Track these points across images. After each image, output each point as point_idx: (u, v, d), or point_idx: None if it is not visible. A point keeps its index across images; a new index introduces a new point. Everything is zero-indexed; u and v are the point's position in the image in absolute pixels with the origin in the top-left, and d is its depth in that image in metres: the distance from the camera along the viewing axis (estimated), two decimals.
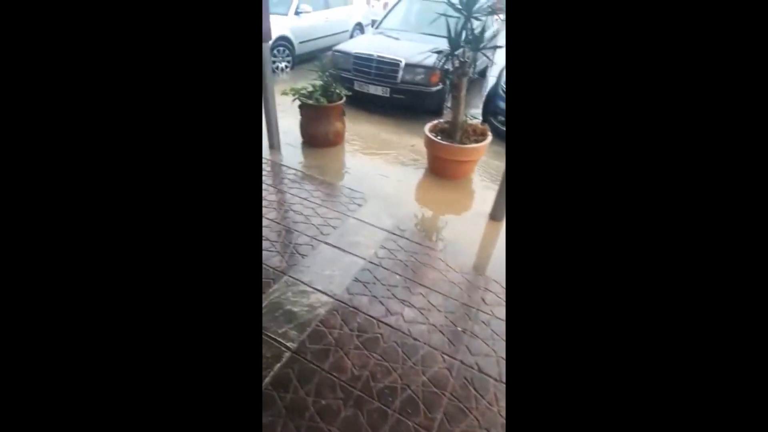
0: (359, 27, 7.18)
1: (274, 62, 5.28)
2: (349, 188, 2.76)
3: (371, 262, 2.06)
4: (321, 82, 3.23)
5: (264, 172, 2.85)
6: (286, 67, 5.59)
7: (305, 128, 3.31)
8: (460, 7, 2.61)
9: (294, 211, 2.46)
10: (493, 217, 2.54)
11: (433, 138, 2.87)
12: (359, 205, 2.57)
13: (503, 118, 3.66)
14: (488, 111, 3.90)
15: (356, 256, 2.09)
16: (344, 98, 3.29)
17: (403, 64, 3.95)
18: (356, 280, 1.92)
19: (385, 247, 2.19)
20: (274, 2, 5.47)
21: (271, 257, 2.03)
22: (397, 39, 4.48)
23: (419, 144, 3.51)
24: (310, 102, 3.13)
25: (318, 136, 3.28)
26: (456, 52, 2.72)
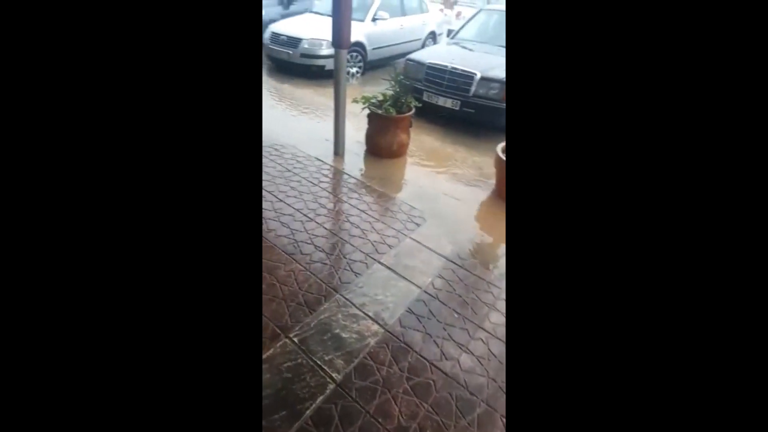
0: (432, 36, 7.05)
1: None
2: (409, 204, 2.63)
3: (427, 293, 1.90)
4: (392, 92, 3.15)
5: (326, 180, 2.82)
6: (357, 72, 5.63)
7: (371, 137, 3.25)
8: None
9: (351, 223, 2.38)
10: None
11: (505, 159, 2.64)
12: (417, 224, 2.43)
13: None
14: None
15: (411, 282, 1.95)
16: (413, 110, 3.18)
17: (477, 78, 3.75)
18: (410, 311, 1.78)
19: (442, 277, 2.02)
20: (354, 8, 5.53)
21: (324, 270, 1.96)
22: (471, 51, 4.29)
23: (485, 163, 3.29)
24: (380, 112, 3.06)
25: (382, 147, 3.19)
26: None
